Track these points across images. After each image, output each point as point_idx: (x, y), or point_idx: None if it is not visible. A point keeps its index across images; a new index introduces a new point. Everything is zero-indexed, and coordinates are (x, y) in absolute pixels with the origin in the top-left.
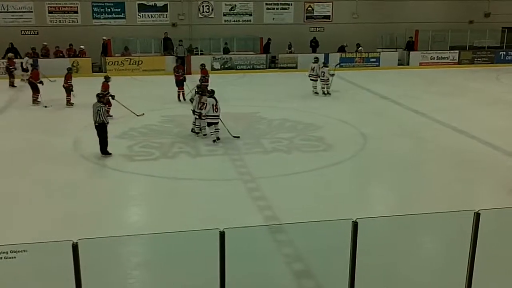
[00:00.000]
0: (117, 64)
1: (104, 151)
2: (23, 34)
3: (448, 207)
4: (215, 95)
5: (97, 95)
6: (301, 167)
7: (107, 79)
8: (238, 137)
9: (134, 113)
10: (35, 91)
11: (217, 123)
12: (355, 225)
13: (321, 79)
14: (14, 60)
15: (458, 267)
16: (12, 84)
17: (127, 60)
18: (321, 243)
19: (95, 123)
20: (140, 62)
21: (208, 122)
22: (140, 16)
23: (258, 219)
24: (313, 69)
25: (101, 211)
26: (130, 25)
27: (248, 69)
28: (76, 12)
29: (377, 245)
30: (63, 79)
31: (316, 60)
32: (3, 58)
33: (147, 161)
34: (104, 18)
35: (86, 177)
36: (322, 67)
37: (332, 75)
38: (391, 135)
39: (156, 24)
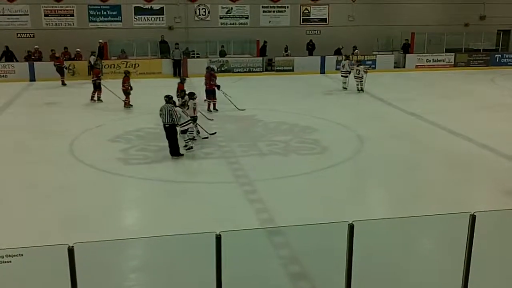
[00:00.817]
0: (114, 67)
1: (176, 152)
2: (19, 37)
3: (444, 209)
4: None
5: (166, 96)
6: (298, 169)
7: (182, 80)
8: (215, 133)
9: (236, 107)
10: (97, 89)
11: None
12: (351, 227)
13: (355, 76)
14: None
15: (454, 269)
16: (63, 83)
17: (123, 63)
18: (317, 245)
19: (165, 124)
20: (136, 65)
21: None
22: (137, 19)
23: (255, 222)
24: (343, 66)
25: (97, 214)
26: (127, 28)
27: (245, 72)
28: (72, 15)
29: (373, 248)
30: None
31: (347, 57)
32: None
33: (143, 165)
34: (101, 21)
35: (81, 180)
36: (358, 66)
37: (365, 72)
38: (387, 138)
39: (152, 27)
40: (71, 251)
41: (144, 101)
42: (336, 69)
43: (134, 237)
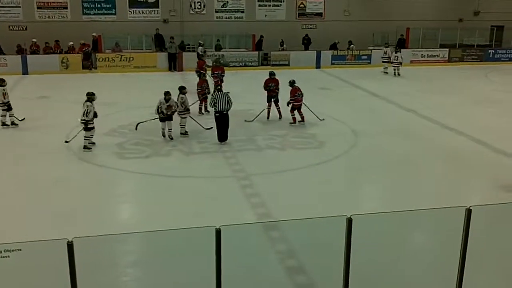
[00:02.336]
0: (108, 61)
1: (226, 138)
2: (10, 29)
3: (440, 204)
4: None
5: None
6: (294, 164)
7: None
8: (211, 128)
9: (317, 117)
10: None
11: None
12: (349, 221)
13: (393, 62)
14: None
15: (450, 262)
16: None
17: (117, 57)
18: (314, 239)
19: (222, 111)
20: (131, 59)
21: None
22: (131, 12)
23: (252, 216)
24: (385, 53)
25: (93, 209)
26: (121, 21)
27: (240, 66)
28: (66, 8)
29: (370, 241)
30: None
31: (387, 45)
32: None
33: (139, 159)
34: (94, 14)
35: (77, 174)
36: (396, 53)
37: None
38: (382, 133)
39: (147, 20)
40: (70, 245)
41: (139, 94)
42: (332, 63)
43: (132, 232)
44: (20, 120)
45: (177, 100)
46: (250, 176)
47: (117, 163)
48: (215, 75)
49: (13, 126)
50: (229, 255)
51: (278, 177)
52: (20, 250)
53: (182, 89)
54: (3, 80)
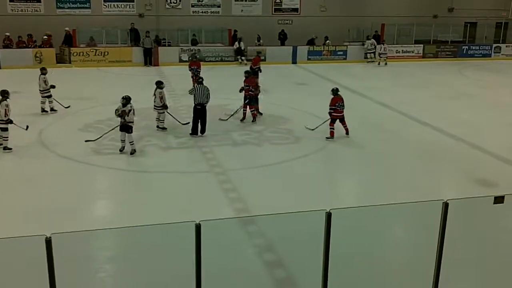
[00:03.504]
0: (82, 55)
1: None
2: None
3: (416, 197)
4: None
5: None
6: (271, 159)
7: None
8: (188, 123)
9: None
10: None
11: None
12: (328, 215)
13: (381, 53)
14: None
15: (427, 255)
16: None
17: (92, 51)
18: (293, 234)
19: (203, 104)
20: (106, 53)
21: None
22: (106, 6)
23: (229, 211)
24: (371, 44)
25: (69, 205)
26: (96, 15)
27: (217, 61)
28: (39, 1)
29: (348, 235)
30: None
31: (368, 37)
32: None
33: (116, 155)
34: (69, 8)
35: (52, 170)
36: (383, 45)
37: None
38: (358, 127)
39: (122, 14)
40: (48, 241)
41: (115, 89)
42: (308, 59)
43: (110, 227)
44: (65, 108)
45: (154, 94)
46: (227, 171)
47: (93, 159)
48: (191, 70)
49: (52, 112)
50: (208, 250)
51: (255, 172)
52: None
53: (159, 84)
54: (44, 69)
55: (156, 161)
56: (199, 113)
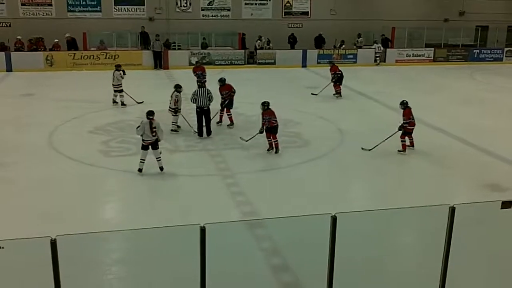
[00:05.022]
0: (93, 58)
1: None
2: None
3: (424, 202)
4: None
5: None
6: (280, 163)
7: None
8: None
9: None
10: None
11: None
12: (334, 219)
13: (376, 53)
14: None
15: (434, 260)
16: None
17: (103, 54)
18: (299, 238)
19: (203, 107)
20: (116, 56)
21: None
22: (116, 9)
23: (237, 214)
24: (379, 48)
25: (77, 207)
26: (106, 19)
27: (226, 64)
28: (50, 5)
29: (355, 239)
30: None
31: (376, 41)
32: None
33: (125, 157)
34: (80, 11)
35: (61, 173)
36: (377, 44)
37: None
38: (367, 131)
39: (132, 17)
40: (53, 243)
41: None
42: (318, 62)
43: (117, 230)
44: (138, 103)
45: (171, 97)
46: (235, 174)
47: (102, 161)
48: (196, 74)
49: (123, 106)
50: (214, 253)
51: (263, 176)
52: (3, 248)
53: (178, 88)
54: (119, 65)
55: (164, 164)
56: (202, 115)
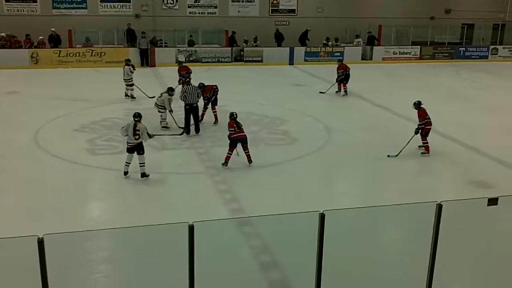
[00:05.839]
0: (79, 56)
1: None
2: None
3: (411, 199)
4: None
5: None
6: (267, 160)
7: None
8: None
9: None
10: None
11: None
12: (322, 217)
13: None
14: None
15: (421, 256)
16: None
17: (89, 52)
18: (287, 235)
19: (192, 104)
20: (102, 54)
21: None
22: (102, 6)
23: (225, 212)
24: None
25: (64, 206)
26: (92, 15)
27: (213, 62)
28: (35, 1)
29: (343, 237)
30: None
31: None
32: None
33: (111, 155)
34: (65, 8)
35: (47, 171)
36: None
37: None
38: (355, 129)
39: (118, 15)
40: (41, 242)
41: (110, 90)
42: (305, 60)
43: (103, 228)
44: (149, 97)
45: (161, 95)
46: (222, 172)
47: (88, 160)
48: (181, 75)
49: (132, 99)
50: (203, 251)
51: (251, 173)
52: None
53: (170, 91)
54: (129, 60)
55: (151, 162)
56: (190, 112)
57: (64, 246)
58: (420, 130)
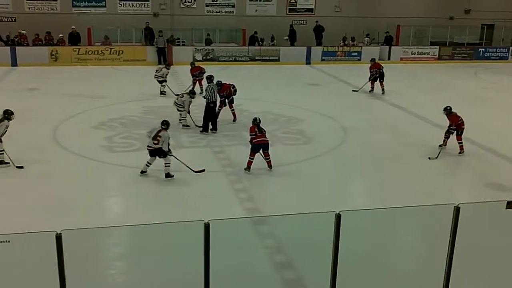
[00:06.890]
0: (97, 54)
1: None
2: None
3: (428, 201)
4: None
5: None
6: (283, 160)
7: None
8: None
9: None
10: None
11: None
12: (338, 217)
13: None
14: None
15: (438, 259)
16: None
17: (107, 50)
18: (303, 235)
19: (209, 103)
20: (121, 52)
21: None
22: (121, 5)
23: (240, 211)
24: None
25: (81, 202)
26: (111, 14)
27: (230, 61)
28: (55, 0)
29: (359, 238)
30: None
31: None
32: None
33: (128, 152)
34: (84, 6)
35: (66, 167)
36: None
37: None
38: (371, 129)
39: (137, 13)
40: (59, 238)
41: (128, 88)
42: (322, 59)
43: (121, 225)
44: (175, 95)
45: (182, 95)
46: (238, 171)
47: (106, 157)
48: (194, 75)
49: (162, 95)
50: (218, 249)
51: (267, 173)
52: (9, 241)
53: (192, 93)
54: (168, 64)
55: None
56: (212, 110)
57: (81, 242)
58: (455, 130)
